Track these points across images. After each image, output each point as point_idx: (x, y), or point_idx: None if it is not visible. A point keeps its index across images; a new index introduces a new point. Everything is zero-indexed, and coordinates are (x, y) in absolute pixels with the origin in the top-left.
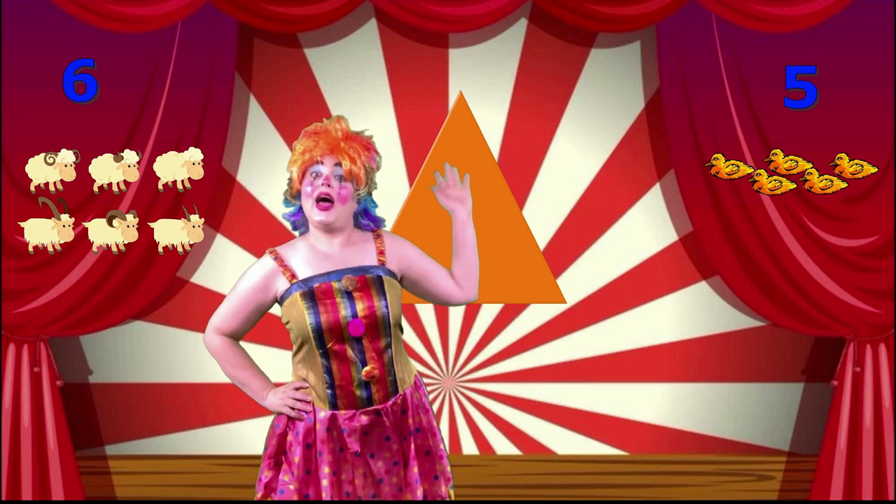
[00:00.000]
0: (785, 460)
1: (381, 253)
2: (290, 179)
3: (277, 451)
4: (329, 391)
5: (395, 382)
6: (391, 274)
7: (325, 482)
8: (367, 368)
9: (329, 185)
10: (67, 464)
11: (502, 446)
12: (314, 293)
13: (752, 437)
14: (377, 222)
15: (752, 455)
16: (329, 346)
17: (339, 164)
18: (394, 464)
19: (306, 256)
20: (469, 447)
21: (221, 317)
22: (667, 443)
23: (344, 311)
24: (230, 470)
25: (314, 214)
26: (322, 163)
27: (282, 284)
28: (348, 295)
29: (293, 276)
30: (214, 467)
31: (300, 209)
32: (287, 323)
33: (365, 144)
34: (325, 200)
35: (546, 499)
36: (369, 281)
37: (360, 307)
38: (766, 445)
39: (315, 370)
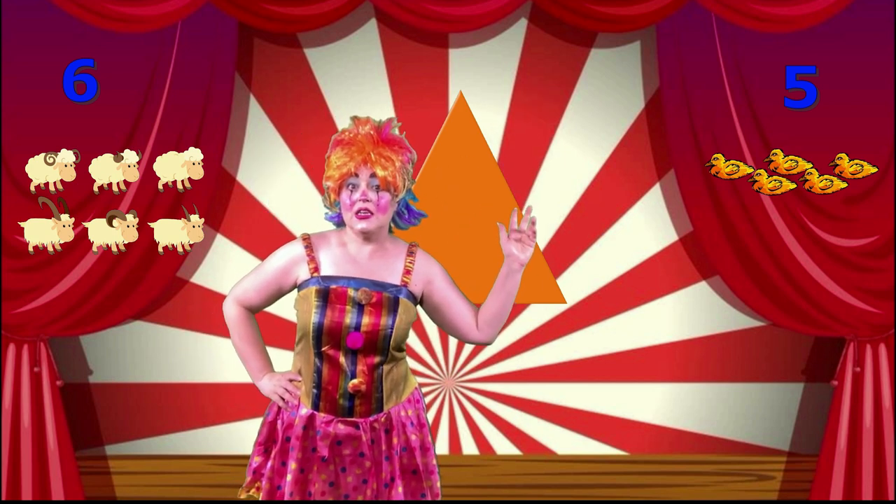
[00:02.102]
0: (785, 460)
1: (408, 273)
2: (328, 190)
3: (267, 439)
4: (315, 391)
5: (380, 400)
6: (411, 296)
7: (288, 477)
8: (354, 381)
9: (367, 199)
10: (67, 464)
11: (502, 446)
12: (329, 293)
13: (752, 437)
14: (419, 216)
15: (752, 455)
16: (324, 348)
17: (374, 175)
18: (363, 482)
19: (335, 254)
20: (469, 447)
21: (243, 289)
22: (667, 443)
23: (348, 320)
24: (230, 470)
25: (354, 224)
26: (357, 175)
27: (304, 273)
28: (359, 306)
29: (317, 268)
30: (214, 467)
31: (338, 215)
32: (297, 312)
33: (396, 147)
34: (364, 211)
35: (546, 499)
36: (385, 299)
37: (366, 321)
38: (766, 445)
39: (307, 367)
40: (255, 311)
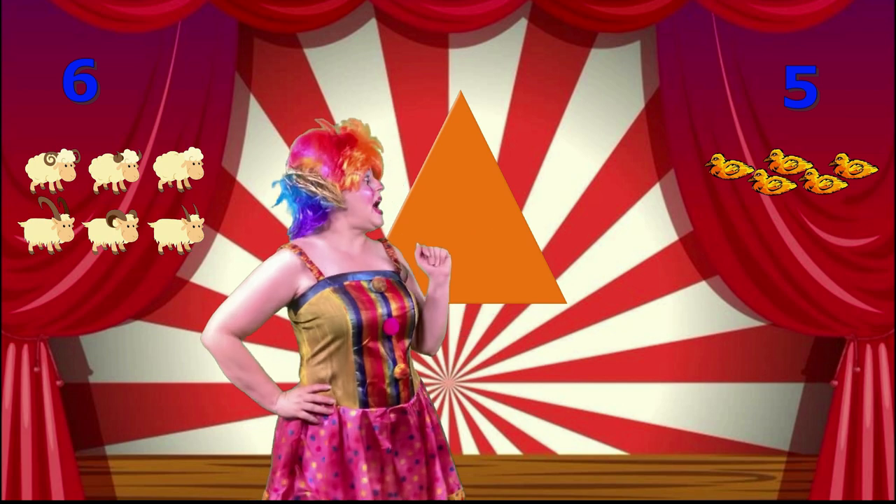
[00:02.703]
0: (785, 460)
1: (396, 261)
2: (339, 185)
3: (292, 459)
4: (360, 388)
5: (412, 382)
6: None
7: (364, 479)
8: (400, 366)
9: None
10: (67, 464)
11: (502, 446)
12: (347, 290)
13: (752, 437)
14: None
15: (752, 455)
16: (365, 342)
17: (376, 172)
18: (415, 462)
19: (329, 255)
20: (469, 447)
21: (230, 314)
22: (667, 443)
23: (381, 309)
24: (230, 470)
25: (374, 217)
26: (371, 170)
27: (306, 281)
28: (381, 294)
29: (320, 273)
30: (214, 467)
31: (324, 215)
32: (312, 320)
33: None
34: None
35: (546, 499)
36: (394, 283)
37: (395, 306)
38: (766, 445)
39: (345, 368)
40: (243, 338)
